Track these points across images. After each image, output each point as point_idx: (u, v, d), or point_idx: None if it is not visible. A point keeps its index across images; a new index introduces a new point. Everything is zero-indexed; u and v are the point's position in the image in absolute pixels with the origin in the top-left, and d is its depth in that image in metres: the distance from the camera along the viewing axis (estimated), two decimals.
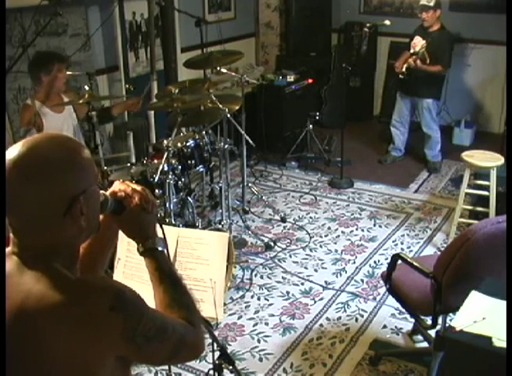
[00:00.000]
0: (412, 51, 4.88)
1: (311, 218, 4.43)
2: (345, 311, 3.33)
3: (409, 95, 5.14)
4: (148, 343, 1.14)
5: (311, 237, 4.13)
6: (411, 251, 3.94)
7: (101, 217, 1.34)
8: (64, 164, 1.10)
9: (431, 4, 4.76)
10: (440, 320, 2.59)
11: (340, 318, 3.27)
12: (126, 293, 1.12)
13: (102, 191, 1.28)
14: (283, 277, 3.66)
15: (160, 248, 1.31)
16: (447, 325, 2.61)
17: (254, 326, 3.20)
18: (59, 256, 1.13)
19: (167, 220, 3.37)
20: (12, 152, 1.08)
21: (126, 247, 1.98)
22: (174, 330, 1.19)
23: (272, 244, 3.99)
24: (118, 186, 1.32)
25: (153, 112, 4.65)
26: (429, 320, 2.52)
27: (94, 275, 1.34)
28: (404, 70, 4.91)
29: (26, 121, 3.50)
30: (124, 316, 1.09)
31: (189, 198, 3.71)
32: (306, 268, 3.76)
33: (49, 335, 1.05)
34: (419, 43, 4.83)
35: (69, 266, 1.15)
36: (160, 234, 1.35)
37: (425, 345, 2.99)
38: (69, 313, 1.06)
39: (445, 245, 3.78)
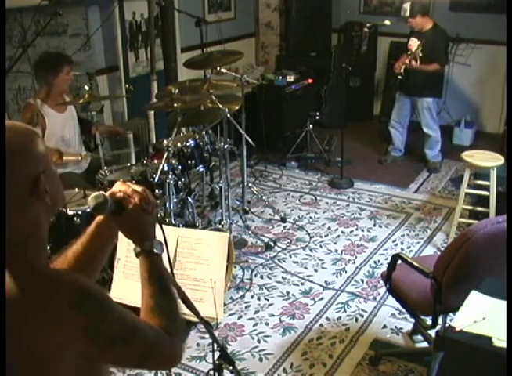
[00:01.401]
0: (409, 52, 4.90)
1: (311, 218, 4.43)
2: (345, 311, 3.33)
3: (408, 95, 5.14)
4: (112, 344, 1.12)
5: (311, 237, 4.13)
6: (411, 251, 3.94)
7: (101, 217, 1.34)
8: (23, 146, 1.12)
9: (406, 14, 4.85)
10: (440, 320, 2.59)
11: (340, 318, 3.27)
12: (90, 290, 1.11)
13: (101, 192, 1.27)
14: (283, 277, 3.66)
15: (156, 251, 1.30)
16: (447, 325, 2.61)
17: (254, 326, 3.20)
18: (27, 246, 1.13)
19: (167, 220, 3.37)
20: None
21: (126, 247, 1.99)
22: (144, 335, 1.18)
23: (272, 244, 3.99)
24: (118, 187, 1.31)
25: (153, 112, 4.65)
26: (429, 320, 2.52)
27: (62, 269, 1.32)
28: (402, 70, 4.93)
29: (27, 119, 3.51)
30: (84, 312, 1.08)
31: (189, 198, 3.71)
32: (306, 268, 3.76)
33: (14, 328, 1.06)
34: (415, 44, 4.87)
35: (37, 256, 1.15)
36: (160, 237, 1.34)
37: (425, 345, 2.99)
38: (28, 307, 1.06)
39: (445, 245, 3.78)
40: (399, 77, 4.98)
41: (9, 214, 1.09)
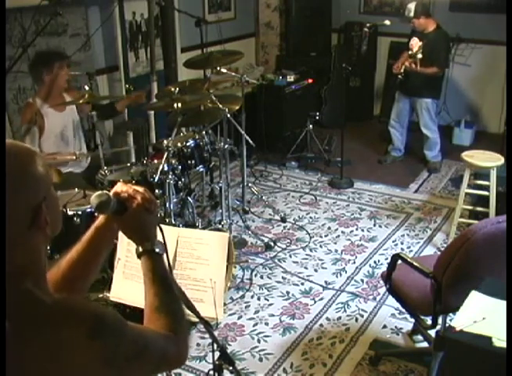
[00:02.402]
0: (410, 52, 4.90)
1: (311, 218, 4.43)
2: (345, 311, 3.33)
3: (407, 95, 5.14)
4: (128, 364, 1.12)
5: (311, 237, 4.13)
6: (411, 251, 3.94)
7: (100, 221, 1.33)
8: (20, 174, 1.05)
9: (410, 14, 4.85)
10: (440, 320, 2.59)
11: (340, 318, 3.27)
12: (105, 317, 1.09)
13: (105, 191, 1.27)
14: (283, 277, 3.66)
15: (158, 250, 1.31)
16: (447, 325, 2.61)
17: (254, 326, 3.20)
18: (28, 274, 1.07)
19: (167, 220, 3.37)
20: None
21: (126, 248, 1.98)
22: (155, 346, 1.18)
23: (272, 244, 3.99)
24: (120, 188, 1.31)
25: (153, 112, 4.65)
26: (429, 320, 2.52)
27: (71, 297, 1.27)
28: (402, 70, 4.94)
29: (27, 118, 3.52)
30: (103, 342, 1.06)
31: (189, 198, 3.71)
32: (306, 268, 3.76)
33: (27, 364, 1.02)
34: (416, 45, 4.86)
35: (39, 282, 1.10)
36: (160, 238, 1.34)
37: (425, 345, 2.99)
38: (46, 343, 1.02)
39: (445, 245, 3.78)
40: (399, 76, 4.99)
41: (6, 249, 1.03)
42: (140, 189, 1.32)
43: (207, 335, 2.89)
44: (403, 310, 2.98)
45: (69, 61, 3.79)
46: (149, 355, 1.16)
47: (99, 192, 1.26)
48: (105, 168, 3.45)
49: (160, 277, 1.29)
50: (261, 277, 3.66)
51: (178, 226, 3.20)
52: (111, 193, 1.28)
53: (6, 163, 1.03)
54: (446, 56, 5.03)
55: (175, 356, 1.24)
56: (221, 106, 3.64)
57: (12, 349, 1.00)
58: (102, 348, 1.06)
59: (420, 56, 4.79)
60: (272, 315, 3.29)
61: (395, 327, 3.17)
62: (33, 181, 1.07)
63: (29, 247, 1.08)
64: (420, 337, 3.06)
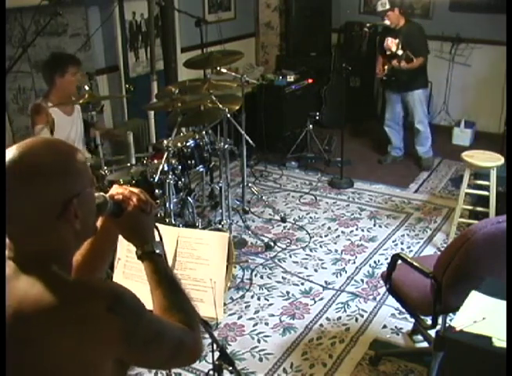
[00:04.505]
0: (388, 53, 4.92)
1: (311, 218, 4.43)
2: (345, 311, 3.33)
3: (398, 91, 5.17)
4: (146, 346, 1.14)
5: (311, 237, 4.13)
6: (411, 251, 3.94)
7: (101, 220, 1.34)
8: (57, 168, 1.10)
9: (387, 7, 4.88)
10: (440, 320, 2.59)
11: (340, 318, 3.27)
12: (125, 295, 1.12)
13: (101, 193, 1.28)
14: (283, 277, 3.66)
15: (158, 251, 1.32)
16: (447, 325, 2.61)
17: (254, 326, 3.20)
18: (55, 260, 1.13)
19: (167, 220, 3.37)
20: (6, 156, 1.09)
21: (126, 248, 1.98)
22: (172, 334, 1.20)
23: (272, 244, 3.99)
24: (116, 190, 1.33)
25: (153, 112, 4.65)
26: (429, 320, 2.52)
27: (92, 277, 1.34)
28: (386, 72, 5.02)
29: (43, 120, 3.49)
30: (121, 318, 1.09)
31: (189, 198, 3.71)
32: (306, 268, 3.76)
33: (46, 338, 1.05)
34: (392, 43, 4.89)
35: (65, 270, 1.15)
36: (157, 238, 1.35)
37: (425, 345, 2.99)
38: (66, 315, 1.06)
39: (445, 245, 3.78)
40: (385, 78, 5.06)
41: (34, 232, 1.10)
42: (136, 190, 1.33)
43: (207, 335, 2.88)
44: (403, 310, 2.98)
45: (81, 67, 3.77)
46: (166, 342, 1.18)
47: (96, 194, 1.27)
48: (105, 168, 3.45)
49: (165, 278, 1.30)
50: (261, 277, 3.66)
51: (178, 226, 3.20)
52: (107, 196, 1.29)
53: (46, 155, 1.10)
54: (426, 44, 5.05)
55: (192, 348, 1.26)
56: (221, 106, 3.64)
57: (35, 324, 1.05)
58: (121, 324, 1.09)
59: (400, 52, 4.83)
60: (272, 315, 3.29)
61: (395, 327, 3.17)
62: (70, 175, 1.12)
63: (57, 236, 1.13)
64: (420, 337, 3.06)
